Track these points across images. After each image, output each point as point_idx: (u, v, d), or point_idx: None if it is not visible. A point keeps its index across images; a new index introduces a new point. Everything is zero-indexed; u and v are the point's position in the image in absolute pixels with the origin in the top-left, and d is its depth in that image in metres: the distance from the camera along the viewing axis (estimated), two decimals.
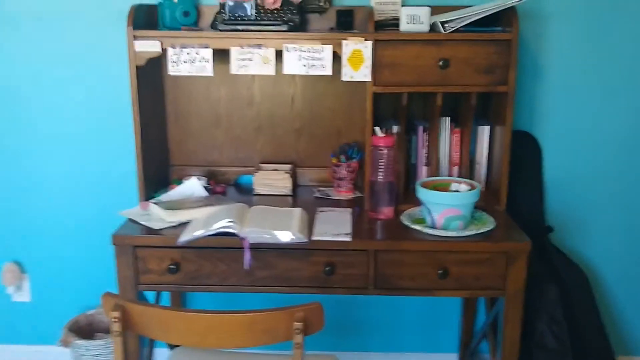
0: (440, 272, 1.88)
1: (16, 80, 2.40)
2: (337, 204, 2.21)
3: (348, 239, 1.87)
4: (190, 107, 2.38)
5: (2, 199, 2.52)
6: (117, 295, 1.41)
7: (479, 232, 1.91)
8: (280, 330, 1.37)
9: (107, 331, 2.50)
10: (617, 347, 2.49)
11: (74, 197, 2.51)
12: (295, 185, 2.39)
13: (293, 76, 2.33)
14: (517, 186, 2.33)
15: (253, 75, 2.33)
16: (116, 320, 1.37)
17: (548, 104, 2.36)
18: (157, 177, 2.31)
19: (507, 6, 2.00)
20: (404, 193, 2.23)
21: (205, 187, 2.25)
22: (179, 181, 2.29)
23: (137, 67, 2.05)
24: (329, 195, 2.29)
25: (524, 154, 2.36)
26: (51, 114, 2.43)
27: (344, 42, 2.00)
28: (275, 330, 1.37)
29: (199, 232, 1.83)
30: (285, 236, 1.82)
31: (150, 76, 2.21)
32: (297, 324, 1.34)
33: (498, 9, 2.00)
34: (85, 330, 2.50)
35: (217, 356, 1.81)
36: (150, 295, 2.30)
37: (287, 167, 2.35)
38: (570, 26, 2.29)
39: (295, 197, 2.30)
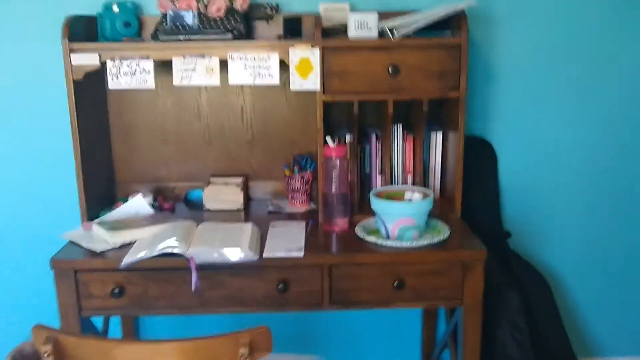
0: (396, 283, 1.83)
1: None
2: (292, 217, 2.14)
3: (300, 254, 1.80)
4: (136, 121, 2.29)
5: None
6: (49, 327, 1.31)
7: (433, 241, 1.86)
8: (226, 357, 1.29)
9: None
10: (579, 349, 2.49)
11: (15, 219, 2.39)
12: (249, 199, 2.32)
13: (241, 86, 2.26)
14: (473, 192, 2.30)
15: (200, 87, 2.25)
16: (47, 355, 1.27)
17: (502, 108, 2.35)
18: (102, 195, 2.21)
19: (456, 11, 1.97)
20: (359, 203, 2.18)
21: (153, 205, 2.16)
22: (125, 199, 2.19)
23: (75, 82, 1.95)
24: (282, 209, 2.22)
25: (479, 159, 2.34)
26: None
27: (290, 49, 1.94)
28: (221, 357, 1.30)
29: (143, 254, 1.74)
30: (234, 254, 1.75)
31: (90, 90, 2.11)
32: (243, 350, 1.27)
33: (447, 14, 1.97)
34: (31, 359, 2.37)
35: None
36: (99, 320, 2.19)
37: (238, 180, 2.28)
38: (522, 29, 2.28)
39: (248, 211, 2.23)
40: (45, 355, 1.28)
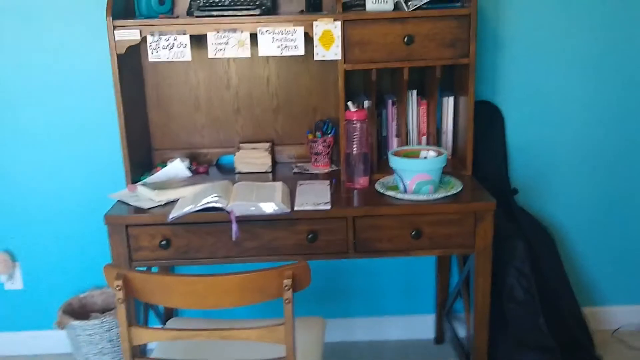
0: (414, 233, 2.03)
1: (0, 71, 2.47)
2: (315, 177, 2.34)
3: (327, 207, 2.00)
4: (170, 92, 2.48)
5: None
6: (118, 266, 1.52)
7: (447, 194, 2.05)
8: (271, 288, 1.50)
9: (101, 311, 2.60)
10: (582, 298, 2.68)
11: (61, 184, 2.59)
12: (275, 162, 2.51)
13: (267, 58, 2.44)
14: (482, 153, 2.49)
15: (229, 59, 2.44)
16: (119, 287, 1.48)
17: (510, 74, 2.52)
18: (141, 162, 2.41)
19: None
20: (377, 164, 2.36)
21: (189, 168, 2.36)
22: (163, 164, 2.39)
23: (118, 56, 2.14)
24: (307, 170, 2.42)
25: (488, 122, 2.52)
26: (36, 104, 2.51)
27: (314, 23, 2.12)
28: (267, 288, 1.50)
29: (188, 208, 1.94)
30: (268, 207, 1.95)
31: (130, 63, 2.30)
32: (287, 281, 1.47)
33: None
34: (78, 312, 2.60)
35: (210, 323, 1.94)
36: None
37: (266, 145, 2.47)
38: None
39: (275, 173, 2.42)
40: (117, 288, 1.49)
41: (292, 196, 2.10)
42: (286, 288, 1.48)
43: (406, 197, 2.05)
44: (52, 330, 2.54)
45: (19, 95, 2.50)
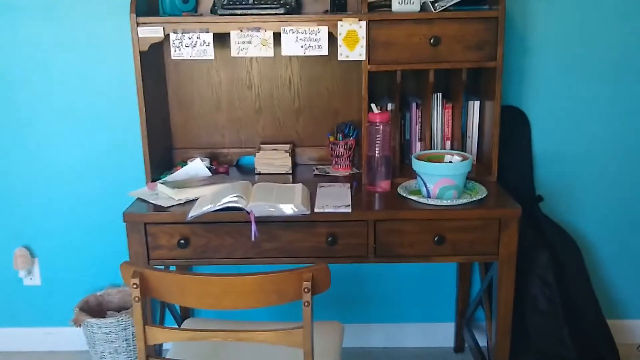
0: (436, 239, 1.98)
1: (23, 67, 2.48)
2: (336, 180, 2.30)
3: (348, 210, 1.96)
4: (192, 91, 2.46)
5: (11, 186, 2.61)
6: (134, 264, 1.50)
7: (472, 200, 2.01)
8: (289, 290, 1.47)
9: (117, 310, 2.59)
10: (607, 311, 2.60)
11: (81, 181, 2.59)
12: (295, 164, 2.49)
13: (289, 58, 2.42)
14: (507, 159, 2.44)
15: (251, 58, 2.42)
16: (136, 286, 1.46)
17: (536, 79, 2.47)
18: (161, 160, 2.39)
19: None
20: (400, 168, 2.32)
21: (209, 168, 2.34)
22: (184, 163, 2.38)
23: (141, 53, 2.13)
24: (327, 173, 2.38)
25: (514, 127, 2.47)
26: (58, 100, 2.51)
27: (339, 23, 2.09)
28: (285, 290, 1.47)
29: (207, 207, 1.92)
30: (288, 208, 1.92)
31: (152, 61, 2.29)
32: (306, 284, 1.44)
33: None
34: (95, 310, 2.59)
35: (226, 325, 1.91)
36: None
37: (287, 146, 2.44)
38: (557, 2, 2.39)
39: (295, 175, 2.39)
40: (133, 286, 1.47)
41: (312, 198, 2.07)
42: (305, 290, 1.44)
43: (429, 201, 2.01)
44: (69, 327, 2.54)
45: (41, 93, 2.51)
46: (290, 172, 2.40)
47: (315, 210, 1.97)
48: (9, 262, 2.65)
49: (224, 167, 2.42)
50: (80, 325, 2.47)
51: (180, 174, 2.27)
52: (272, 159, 2.39)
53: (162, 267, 2.35)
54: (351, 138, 2.40)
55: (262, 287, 1.46)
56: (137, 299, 1.47)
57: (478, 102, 2.32)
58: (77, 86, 2.50)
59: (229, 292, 1.46)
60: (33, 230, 2.65)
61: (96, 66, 2.47)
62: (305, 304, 1.45)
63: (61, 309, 2.70)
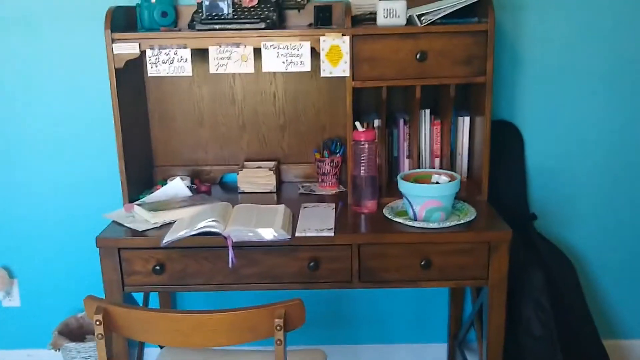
0: (423, 263, 1.90)
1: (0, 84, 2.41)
2: (322, 199, 2.22)
3: (330, 234, 1.88)
4: (173, 107, 2.38)
5: None
6: (99, 298, 1.42)
7: (460, 222, 1.92)
8: (262, 328, 1.39)
9: None
10: (604, 331, 2.51)
11: (60, 201, 2.52)
12: (280, 182, 2.40)
13: (273, 73, 2.34)
14: (500, 175, 2.35)
15: (234, 74, 2.34)
16: (99, 322, 1.38)
17: (528, 93, 2.38)
18: (141, 178, 2.32)
19: None
20: (387, 186, 2.24)
21: (190, 187, 2.26)
22: (164, 182, 2.30)
23: (117, 69, 2.05)
24: (313, 191, 2.30)
25: (506, 143, 2.38)
26: (35, 117, 2.44)
27: (321, 38, 2.01)
28: (258, 328, 1.39)
29: (183, 232, 1.84)
30: (268, 233, 1.84)
31: (131, 78, 2.21)
32: (278, 321, 1.36)
33: (473, 0, 2.01)
34: (76, 332, 2.52)
35: (204, 353, 1.83)
36: (139, 295, 2.31)
37: (271, 164, 2.36)
38: (548, 14, 2.31)
39: (279, 193, 2.31)
40: (97, 323, 1.39)
41: (294, 220, 1.98)
42: (278, 328, 1.36)
43: (415, 224, 1.93)
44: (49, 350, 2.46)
45: (18, 111, 2.43)
46: (275, 190, 2.31)
47: (297, 234, 1.88)
48: None
49: (206, 185, 2.34)
50: (58, 349, 2.39)
51: (159, 194, 2.19)
52: (256, 177, 2.31)
53: (142, 293, 2.29)
54: (338, 155, 2.32)
55: (233, 325, 1.38)
56: (100, 336, 1.39)
57: (468, 117, 2.23)
58: (56, 104, 2.42)
59: (198, 331, 1.38)
60: (11, 250, 2.57)
61: (74, 83, 2.39)
62: (278, 342, 1.37)
63: (42, 330, 2.61)
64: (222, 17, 2.06)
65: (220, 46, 2.02)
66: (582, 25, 2.32)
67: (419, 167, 2.23)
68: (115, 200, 2.33)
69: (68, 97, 2.41)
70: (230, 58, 2.02)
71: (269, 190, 2.30)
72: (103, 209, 2.21)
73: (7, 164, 2.49)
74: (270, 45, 2.02)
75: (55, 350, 2.40)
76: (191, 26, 2.10)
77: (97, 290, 1.95)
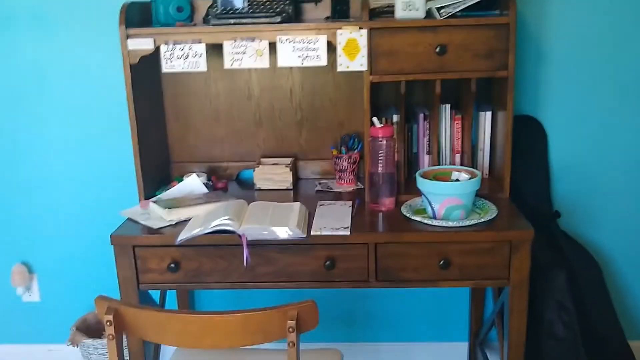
0: (442, 262, 1.85)
1: (16, 81, 2.41)
2: (339, 196, 2.18)
3: (346, 232, 1.84)
4: (189, 103, 2.36)
5: (8, 201, 2.54)
6: (110, 299, 1.40)
7: (480, 221, 1.87)
8: (274, 329, 1.36)
9: None
10: (630, 331, 2.44)
11: (79, 197, 2.52)
12: (297, 179, 2.37)
13: (290, 68, 2.30)
14: (523, 172, 2.29)
15: (250, 69, 2.31)
16: (109, 323, 1.37)
17: (552, 87, 2.31)
18: (158, 175, 2.30)
19: None
20: (406, 183, 2.19)
21: (206, 184, 2.24)
22: (180, 178, 2.28)
23: (131, 66, 2.03)
24: (330, 188, 2.26)
25: (529, 138, 2.32)
26: (52, 115, 2.44)
27: (338, 31, 1.96)
28: (270, 330, 1.36)
29: (197, 231, 1.82)
30: (282, 232, 1.81)
31: (146, 73, 2.19)
32: (290, 323, 1.32)
33: None
34: (94, 328, 2.52)
35: (217, 352, 1.81)
36: (156, 293, 2.30)
37: (287, 161, 2.33)
38: (573, 7, 2.23)
39: (296, 190, 2.28)
40: (107, 324, 1.37)
41: (310, 218, 1.95)
42: (290, 330, 1.33)
43: (434, 222, 1.88)
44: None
45: (34, 107, 2.43)
46: (292, 187, 2.28)
47: (312, 232, 1.85)
48: (7, 279, 2.58)
49: (223, 182, 2.31)
50: (76, 345, 2.40)
51: (175, 191, 2.17)
52: (272, 174, 2.28)
53: (158, 291, 2.27)
54: (355, 151, 2.27)
55: (245, 327, 1.35)
56: (111, 337, 1.38)
57: (490, 112, 2.17)
58: (72, 101, 2.41)
59: (209, 332, 1.35)
60: (31, 246, 2.59)
61: (90, 79, 2.39)
62: (290, 344, 1.34)
63: (62, 325, 2.62)
64: (237, 12, 2.03)
65: (235, 41, 1.98)
66: (611, 19, 2.23)
67: (439, 164, 2.18)
68: (132, 196, 2.33)
69: (85, 94, 2.41)
70: (245, 53, 1.99)
71: (285, 187, 2.27)
72: (121, 204, 2.21)
73: (25, 162, 2.49)
74: (286, 40, 1.98)
75: (74, 346, 2.40)
76: (206, 21, 2.07)
77: (115, 287, 1.95)
